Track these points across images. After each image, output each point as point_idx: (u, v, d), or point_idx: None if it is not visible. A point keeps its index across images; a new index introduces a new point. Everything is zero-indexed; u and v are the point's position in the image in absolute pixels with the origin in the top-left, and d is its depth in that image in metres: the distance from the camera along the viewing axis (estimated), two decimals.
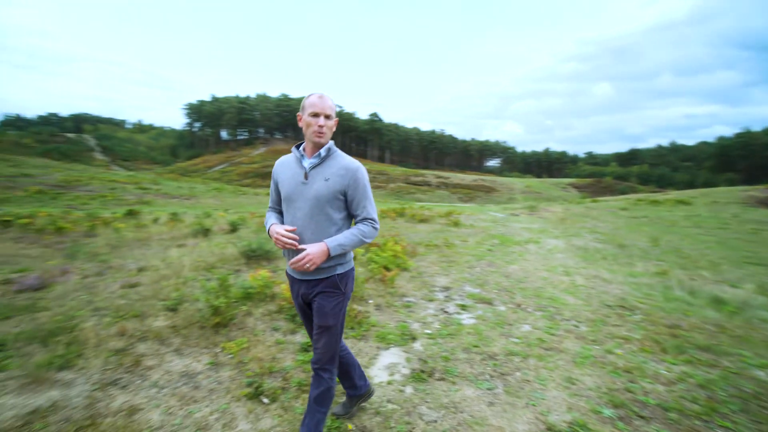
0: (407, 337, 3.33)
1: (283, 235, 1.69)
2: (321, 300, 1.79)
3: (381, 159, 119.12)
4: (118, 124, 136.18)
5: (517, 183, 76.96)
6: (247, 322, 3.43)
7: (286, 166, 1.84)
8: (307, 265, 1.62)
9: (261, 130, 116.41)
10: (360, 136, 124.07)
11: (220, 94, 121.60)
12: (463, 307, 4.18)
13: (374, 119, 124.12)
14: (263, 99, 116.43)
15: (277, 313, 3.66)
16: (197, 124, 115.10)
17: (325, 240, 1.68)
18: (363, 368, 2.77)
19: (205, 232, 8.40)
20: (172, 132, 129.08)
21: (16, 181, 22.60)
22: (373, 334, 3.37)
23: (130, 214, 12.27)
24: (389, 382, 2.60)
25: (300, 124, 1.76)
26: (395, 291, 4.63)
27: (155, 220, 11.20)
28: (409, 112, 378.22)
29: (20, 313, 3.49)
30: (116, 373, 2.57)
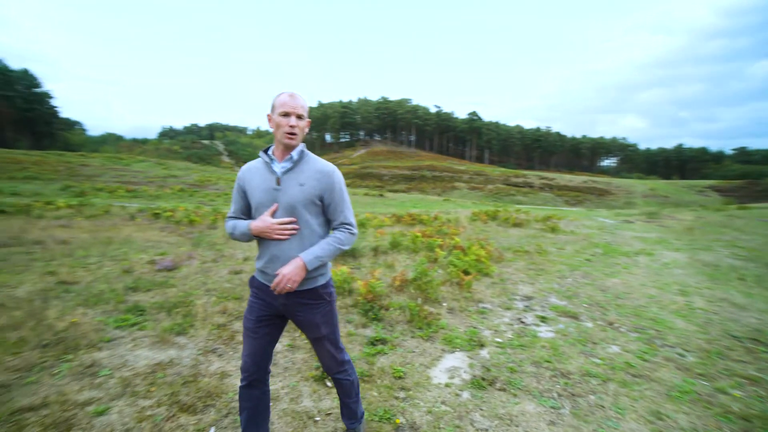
0: (475, 343, 3.26)
1: (280, 223, 1.58)
2: (306, 313, 1.70)
3: (479, 159, 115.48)
4: (241, 130, 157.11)
5: (638, 185, 67.30)
6: None
7: (254, 172, 1.69)
8: (288, 285, 1.54)
9: (361, 133, 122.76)
10: (458, 136, 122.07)
11: (325, 100, 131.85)
12: (543, 319, 3.91)
13: (473, 118, 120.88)
14: (364, 103, 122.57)
15: (353, 307, 3.91)
16: None
17: (300, 254, 1.58)
18: (424, 367, 2.83)
19: None
20: None
21: (166, 181, 28.18)
22: (441, 336, 3.38)
23: None
24: (447, 385, 2.60)
25: (269, 125, 1.64)
26: (471, 296, 4.54)
27: None
28: (510, 108, 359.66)
29: (157, 287, 4.37)
30: (215, 344, 3.08)
